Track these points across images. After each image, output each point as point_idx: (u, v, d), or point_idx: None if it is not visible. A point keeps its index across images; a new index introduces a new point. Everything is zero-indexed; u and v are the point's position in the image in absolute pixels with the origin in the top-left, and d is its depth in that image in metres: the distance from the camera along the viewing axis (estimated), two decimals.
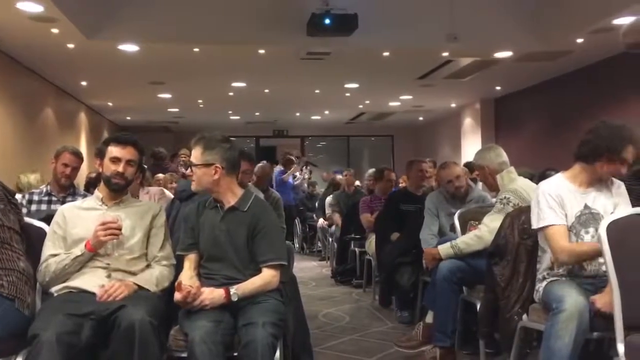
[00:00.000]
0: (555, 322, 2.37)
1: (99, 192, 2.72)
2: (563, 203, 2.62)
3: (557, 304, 2.41)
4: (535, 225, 2.66)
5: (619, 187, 2.72)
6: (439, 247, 3.63)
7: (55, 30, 6.21)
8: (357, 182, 8.04)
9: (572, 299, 2.38)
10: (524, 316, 2.75)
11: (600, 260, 2.55)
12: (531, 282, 2.76)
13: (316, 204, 9.12)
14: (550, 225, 2.59)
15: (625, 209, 2.61)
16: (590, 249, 2.50)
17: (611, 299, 2.27)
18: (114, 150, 2.65)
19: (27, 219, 2.72)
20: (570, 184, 2.68)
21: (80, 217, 2.63)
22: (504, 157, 3.58)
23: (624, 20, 5.65)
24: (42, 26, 6.03)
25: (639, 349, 2.13)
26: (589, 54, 7.73)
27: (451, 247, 3.52)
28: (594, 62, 8.19)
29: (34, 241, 2.59)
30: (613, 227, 2.34)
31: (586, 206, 2.63)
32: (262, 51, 7.48)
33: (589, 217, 2.62)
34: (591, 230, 2.60)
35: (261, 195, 3.50)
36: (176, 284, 2.42)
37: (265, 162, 5.56)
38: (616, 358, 2.21)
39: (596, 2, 6.01)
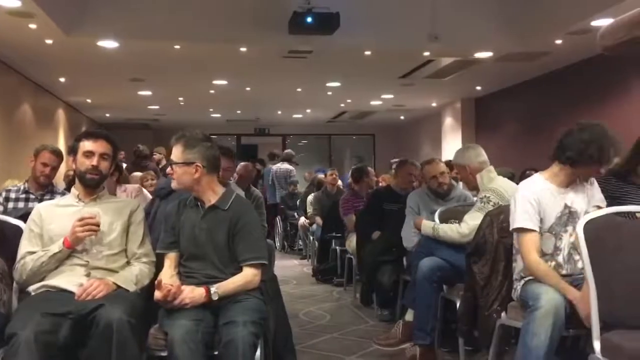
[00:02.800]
0: (531, 320, 2.41)
1: (75, 189, 2.68)
2: (541, 207, 2.66)
3: (534, 301, 2.44)
4: (511, 226, 2.71)
5: (592, 182, 2.78)
6: (425, 221, 3.73)
7: (33, 26, 6.12)
8: (340, 183, 8.03)
9: (547, 296, 2.42)
10: (503, 314, 2.78)
11: (576, 257, 2.60)
12: (510, 280, 2.79)
13: (297, 203, 9.11)
14: (523, 230, 2.63)
15: (599, 202, 2.70)
16: (554, 280, 2.52)
17: (589, 299, 2.31)
18: (86, 145, 2.61)
19: (2, 217, 2.69)
20: (550, 184, 2.72)
21: (57, 214, 2.60)
22: (484, 156, 3.63)
23: (602, 22, 5.74)
24: (20, 21, 5.94)
25: (614, 346, 2.17)
26: (568, 55, 7.83)
27: (432, 228, 3.62)
28: (573, 63, 8.30)
29: (9, 239, 2.56)
30: (590, 226, 2.38)
31: (566, 206, 2.68)
32: (243, 49, 7.45)
33: (567, 217, 2.67)
34: (569, 229, 2.65)
35: (242, 194, 3.49)
36: (156, 282, 2.41)
37: (247, 162, 5.55)
38: (592, 355, 2.24)
39: (574, 4, 6.09)
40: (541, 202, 2.66)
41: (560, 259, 2.65)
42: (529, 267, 2.61)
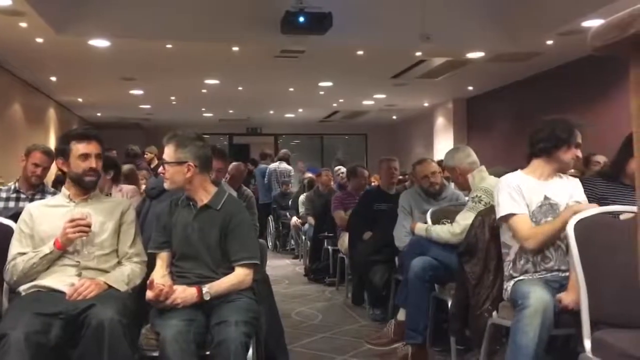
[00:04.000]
0: (520, 318, 2.42)
1: (66, 190, 2.67)
2: (523, 194, 2.71)
3: (522, 300, 2.46)
4: (498, 215, 2.73)
5: (576, 183, 2.83)
6: (418, 224, 3.78)
7: (23, 24, 6.09)
8: (332, 183, 8.04)
9: (536, 294, 2.44)
10: (494, 313, 2.79)
11: (560, 243, 2.62)
12: (501, 279, 2.80)
13: (289, 202, 9.11)
14: (513, 215, 2.67)
15: (581, 199, 2.74)
16: (551, 226, 2.60)
17: (577, 295, 2.33)
18: (80, 147, 2.59)
19: None
20: (530, 177, 2.77)
21: (48, 215, 2.58)
22: (474, 156, 3.65)
23: (593, 23, 5.77)
24: (10, 20, 5.91)
25: (605, 345, 2.18)
26: (559, 56, 7.88)
27: (425, 230, 3.65)
28: (564, 64, 8.35)
29: (0, 239, 2.54)
30: (580, 225, 2.40)
31: (545, 197, 2.71)
32: (236, 48, 7.44)
33: (548, 208, 2.70)
34: (550, 219, 2.68)
35: (234, 194, 3.48)
36: (148, 282, 2.40)
37: (239, 162, 5.55)
38: (583, 354, 2.25)
39: (565, 4, 6.13)
40: (522, 190, 2.71)
41: (547, 252, 2.67)
42: (530, 239, 2.60)
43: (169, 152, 2.56)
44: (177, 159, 2.54)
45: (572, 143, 2.72)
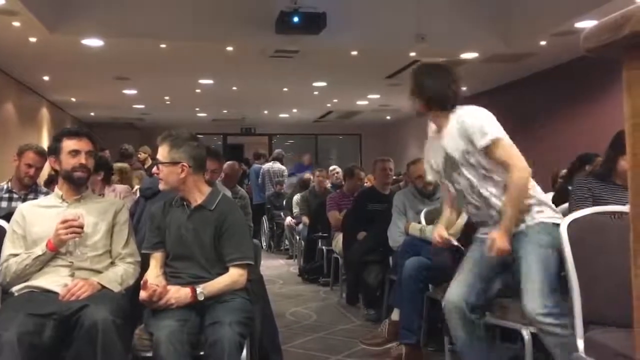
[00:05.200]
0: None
1: (59, 190, 2.65)
2: None
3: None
4: (486, 140, 2.53)
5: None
6: (412, 224, 3.81)
7: (16, 24, 6.06)
8: (328, 183, 8.05)
9: (447, 294, 2.53)
10: (487, 313, 2.79)
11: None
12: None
13: (283, 202, 9.10)
14: (501, 139, 2.54)
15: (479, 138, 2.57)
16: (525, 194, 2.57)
17: (508, 237, 2.37)
18: (70, 144, 2.58)
19: None
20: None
21: (40, 215, 2.57)
22: None
23: (586, 24, 5.80)
24: (3, 19, 5.88)
25: (598, 345, 2.19)
26: (552, 57, 7.91)
27: (419, 230, 3.69)
28: (557, 65, 8.38)
29: None
30: (573, 225, 2.41)
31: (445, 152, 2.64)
32: (230, 48, 7.43)
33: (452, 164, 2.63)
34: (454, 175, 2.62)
35: (229, 194, 3.48)
36: (142, 282, 2.39)
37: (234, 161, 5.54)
38: (576, 354, 2.26)
39: (559, 5, 6.16)
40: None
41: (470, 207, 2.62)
42: (525, 171, 2.52)
43: (163, 153, 2.55)
44: (171, 159, 2.53)
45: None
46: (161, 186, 2.60)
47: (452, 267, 2.83)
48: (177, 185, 2.56)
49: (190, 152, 2.54)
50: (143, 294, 2.34)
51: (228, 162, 5.25)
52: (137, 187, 5.11)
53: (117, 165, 5.56)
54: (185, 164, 2.52)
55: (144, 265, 2.62)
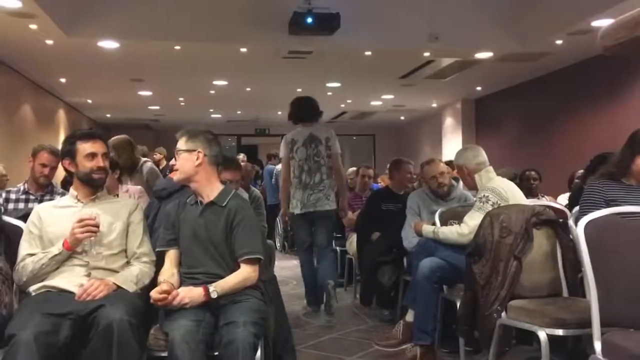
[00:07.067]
0: None
1: (74, 190, 2.68)
2: None
3: None
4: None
5: None
6: (425, 225, 3.75)
7: (33, 26, 6.13)
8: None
9: None
10: (503, 314, 2.78)
11: None
12: (510, 280, 2.79)
13: None
14: None
15: None
16: None
17: None
18: (86, 147, 2.61)
19: (5, 217, 2.69)
20: None
21: (56, 216, 2.60)
22: (483, 157, 3.62)
23: (602, 23, 5.74)
24: (21, 22, 5.95)
25: (615, 346, 2.16)
26: (568, 56, 7.83)
27: (433, 232, 3.64)
28: (573, 64, 8.30)
29: (11, 240, 2.56)
30: (590, 226, 2.38)
31: None
32: (243, 49, 7.45)
33: None
34: None
35: (246, 196, 3.50)
36: (157, 281, 2.41)
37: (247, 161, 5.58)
38: (593, 355, 2.24)
39: (575, 4, 6.09)
40: None
41: None
42: None
43: (180, 144, 2.63)
44: (187, 148, 2.60)
45: None
46: (176, 177, 2.64)
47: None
48: (192, 174, 2.59)
49: (205, 143, 2.62)
50: (156, 295, 2.35)
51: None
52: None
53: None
54: (201, 151, 2.58)
55: (158, 265, 2.64)
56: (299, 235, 5.03)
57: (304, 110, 5.07)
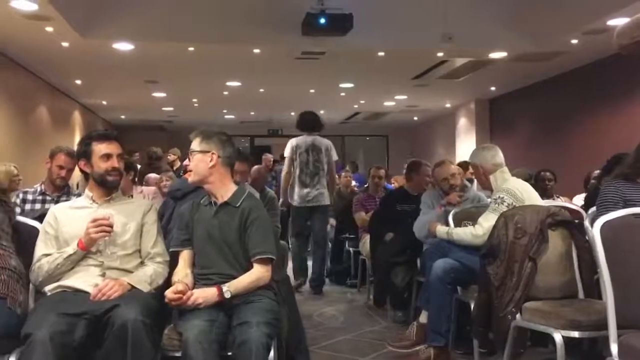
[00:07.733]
0: None
1: (89, 191, 2.70)
2: None
3: None
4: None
5: None
6: (439, 226, 3.73)
7: (49, 29, 6.19)
8: (354, 183, 8.01)
9: None
10: (518, 315, 2.76)
11: None
12: (524, 281, 2.77)
13: None
14: None
15: None
16: None
17: None
18: (101, 148, 2.63)
19: (20, 218, 2.72)
20: None
21: (71, 216, 2.62)
22: (500, 158, 3.58)
23: (618, 22, 5.68)
24: (37, 24, 6.01)
25: (632, 349, 2.14)
26: (583, 55, 7.76)
27: (446, 233, 3.63)
28: (588, 63, 8.22)
29: (27, 240, 2.58)
30: (607, 227, 2.35)
31: None
32: (257, 51, 7.48)
33: None
34: None
35: (257, 195, 3.50)
36: (172, 281, 2.42)
37: (260, 165, 5.64)
38: (609, 358, 2.21)
39: (590, 3, 6.04)
40: None
41: None
42: None
43: (194, 145, 2.64)
44: (201, 149, 2.61)
45: None
46: (191, 178, 2.65)
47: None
48: (206, 175, 2.60)
49: (219, 144, 2.62)
50: (170, 295, 2.37)
51: (254, 167, 5.27)
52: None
53: (151, 176, 5.74)
54: (215, 152, 2.59)
55: (172, 265, 2.65)
56: (295, 224, 6.13)
57: (306, 123, 6.28)
